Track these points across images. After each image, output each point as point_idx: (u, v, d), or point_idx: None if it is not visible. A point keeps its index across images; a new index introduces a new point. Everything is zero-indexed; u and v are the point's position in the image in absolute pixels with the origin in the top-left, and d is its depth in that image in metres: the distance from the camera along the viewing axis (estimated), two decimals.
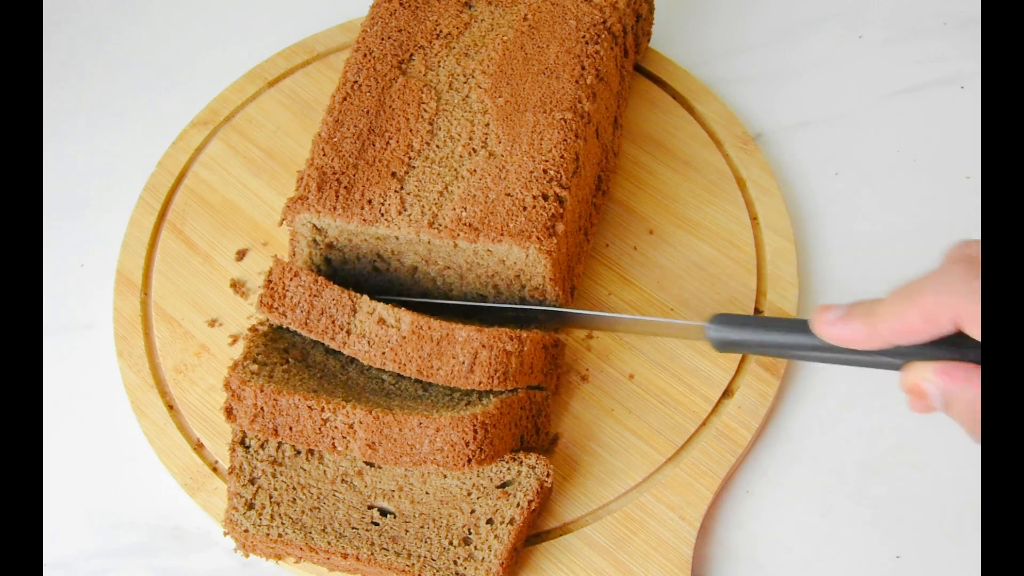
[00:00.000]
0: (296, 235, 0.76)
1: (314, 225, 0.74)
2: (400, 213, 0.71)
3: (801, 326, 0.61)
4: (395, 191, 0.72)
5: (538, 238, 0.70)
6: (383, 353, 0.70)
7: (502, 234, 0.70)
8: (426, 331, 0.69)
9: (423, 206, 0.72)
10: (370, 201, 0.72)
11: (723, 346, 0.67)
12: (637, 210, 0.85)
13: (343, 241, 0.75)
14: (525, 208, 0.71)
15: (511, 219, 0.70)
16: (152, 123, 0.95)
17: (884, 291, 0.82)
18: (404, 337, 0.69)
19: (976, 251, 0.50)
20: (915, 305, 0.51)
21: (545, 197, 0.71)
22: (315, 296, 0.71)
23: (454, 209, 0.71)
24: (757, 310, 0.80)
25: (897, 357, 0.56)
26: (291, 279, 0.72)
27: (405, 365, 0.69)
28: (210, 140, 0.91)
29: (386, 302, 0.72)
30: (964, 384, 0.52)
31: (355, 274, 0.79)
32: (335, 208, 0.72)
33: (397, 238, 0.73)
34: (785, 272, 0.82)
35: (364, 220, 0.72)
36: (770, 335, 0.64)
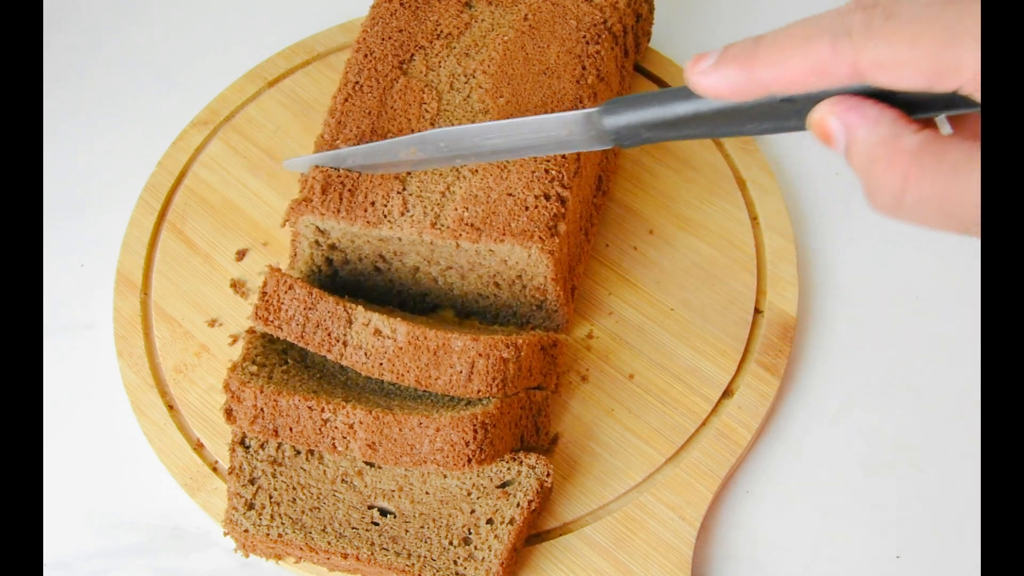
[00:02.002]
0: (298, 236, 0.76)
1: (317, 227, 0.74)
2: (403, 214, 0.71)
3: (688, 92, 0.53)
4: (397, 192, 0.72)
5: (540, 238, 0.70)
6: (380, 364, 0.70)
7: (504, 234, 0.70)
8: (422, 341, 0.69)
9: (425, 207, 0.72)
10: (373, 203, 0.72)
11: (620, 136, 0.59)
12: (637, 210, 0.85)
13: (345, 242, 0.75)
14: (527, 208, 0.71)
15: (513, 219, 0.70)
16: (152, 123, 0.95)
17: (884, 292, 0.83)
18: (400, 348, 0.69)
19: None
20: (803, 51, 0.45)
21: (547, 197, 0.71)
22: (310, 309, 0.71)
23: (456, 209, 0.71)
24: (757, 310, 0.81)
25: (799, 108, 0.49)
26: (286, 292, 0.72)
27: (403, 375, 0.69)
28: (210, 140, 0.91)
29: (381, 312, 0.72)
30: (870, 124, 0.45)
31: (356, 274, 0.79)
32: (339, 211, 0.72)
33: (400, 239, 0.73)
34: (785, 272, 0.82)
35: (368, 222, 0.72)
36: (660, 108, 0.55)
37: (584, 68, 0.77)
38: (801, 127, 0.49)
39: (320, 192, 0.72)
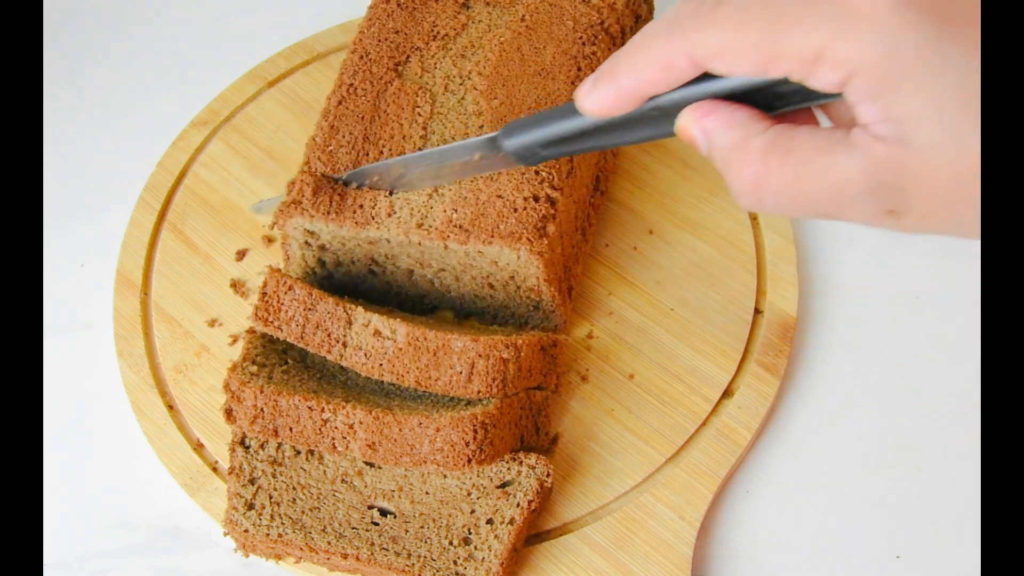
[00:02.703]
0: (288, 239, 0.76)
1: (306, 229, 0.74)
2: (390, 215, 0.71)
3: (574, 109, 0.55)
4: (385, 195, 0.72)
5: (528, 239, 0.69)
6: (380, 365, 0.70)
7: (492, 236, 0.70)
8: (422, 342, 0.69)
9: (412, 208, 0.71)
10: (361, 205, 0.72)
11: (518, 155, 0.61)
12: (637, 210, 0.85)
13: (336, 245, 0.75)
14: (516, 209, 0.70)
15: (501, 220, 0.70)
16: (152, 123, 0.95)
17: (884, 292, 0.83)
18: (400, 348, 0.69)
19: None
20: (648, 52, 0.47)
21: (536, 198, 0.71)
22: (310, 310, 0.71)
23: (444, 211, 0.71)
24: (757, 310, 0.81)
25: (668, 114, 0.51)
26: (286, 292, 0.72)
27: (403, 376, 0.69)
28: (210, 140, 0.91)
29: (381, 313, 0.72)
30: (723, 127, 0.47)
31: (352, 277, 0.79)
32: (328, 212, 0.72)
33: (388, 241, 0.73)
34: (785, 272, 0.82)
35: (356, 223, 0.71)
36: (550, 127, 0.58)
37: (580, 69, 0.77)
38: (673, 132, 0.51)
39: (310, 194, 0.72)
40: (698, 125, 0.48)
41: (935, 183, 0.42)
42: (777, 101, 0.47)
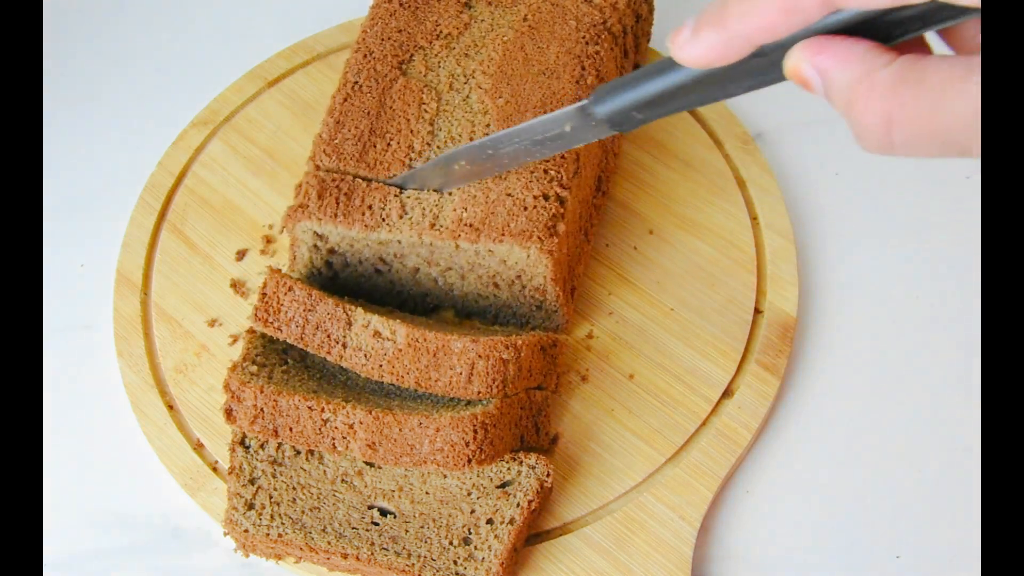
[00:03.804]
0: (296, 241, 0.76)
1: (315, 232, 0.74)
2: (401, 217, 0.71)
3: (669, 64, 0.53)
4: (395, 195, 0.72)
5: (539, 238, 0.70)
6: (380, 366, 0.70)
7: (503, 234, 0.70)
8: (422, 343, 0.69)
9: (424, 209, 0.71)
10: (371, 206, 0.72)
11: (614, 121, 0.59)
12: (637, 210, 0.85)
13: (344, 246, 0.75)
14: (526, 208, 0.71)
15: (512, 219, 0.70)
16: (152, 123, 0.95)
17: (884, 292, 0.83)
18: (400, 349, 0.69)
19: None
20: None
21: (546, 197, 0.71)
22: (310, 310, 0.71)
23: (455, 211, 0.71)
24: (757, 310, 0.81)
25: (773, 60, 0.47)
26: (285, 293, 0.72)
27: (403, 377, 0.69)
28: (210, 140, 0.91)
29: (381, 314, 0.72)
30: (842, 64, 0.43)
31: (357, 277, 0.79)
32: (336, 215, 0.72)
33: (399, 242, 0.73)
34: (785, 272, 0.82)
35: (366, 226, 0.71)
36: (644, 87, 0.55)
37: (583, 68, 0.77)
38: (782, 78, 0.48)
39: (316, 197, 0.72)
40: (812, 63, 0.44)
41: None
42: (896, 29, 0.44)
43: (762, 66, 0.48)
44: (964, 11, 0.42)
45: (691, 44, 0.47)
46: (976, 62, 0.40)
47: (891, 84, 0.42)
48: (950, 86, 0.41)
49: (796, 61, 0.45)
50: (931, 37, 0.47)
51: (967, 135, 0.41)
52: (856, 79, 0.43)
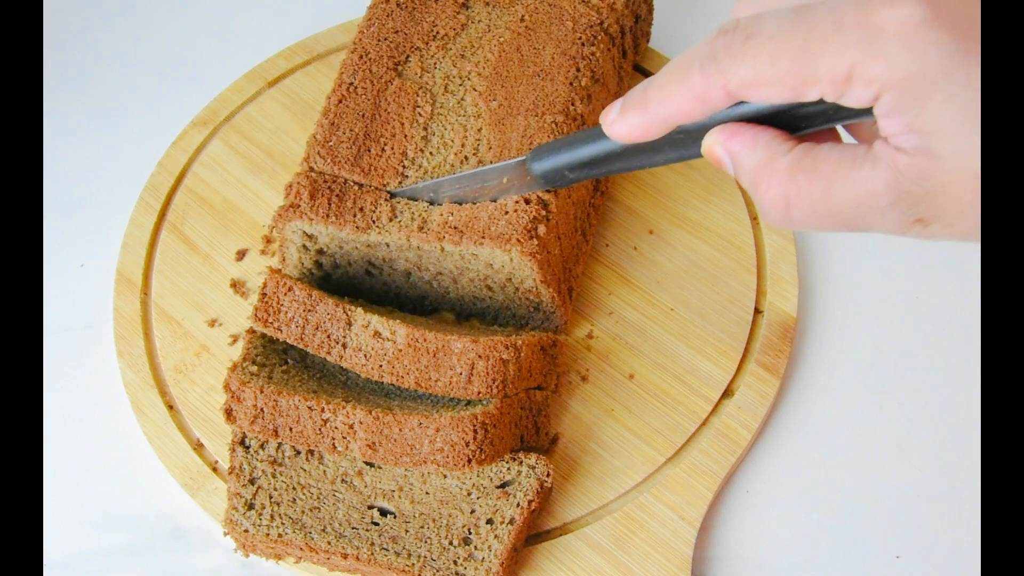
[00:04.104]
0: (285, 242, 0.76)
1: (305, 232, 0.74)
2: (391, 220, 0.71)
3: (601, 133, 0.58)
4: (386, 199, 0.72)
5: (519, 240, 0.69)
6: (380, 366, 0.70)
7: (484, 237, 0.70)
8: (422, 343, 0.69)
9: (413, 213, 0.72)
10: (362, 208, 0.72)
11: (548, 178, 0.65)
12: (637, 210, 0.85)
13: (333, 247, 0.75)
14: (507, 212, 0.71)
15: (493, 222, 0.70)
16: (152, 123, 0.95)
17: (884, 292, 0.83)
18: (400, 350, 0.69)
19: (748, 16, 0.47)
20: (682, 84, 0.48)
21: (527, 201, 0.71)
22: (309, 311, 0.71)
23: (442, 215, 0.71)
24: (757, 310, 0.81)
25: (694, 136, 0.52)
26: (285, 293, 0.72)
27: (403, 378, 0.69)
28: (210, 140, 0.91)
29: (381, 314, 0.72)
30: (748, 149, 0.48)
31: (350, 278, 0.79)
32: (328, 216, 0.72)
33: (387, 245, 0.73)
34: (785, 272, 0.82)
35: (357, 227, 0.71)
36: (577, 151, 0.61)
37: (578, 70, 0.77)
38: (700, 153, 0.53)
39: (308, 197, 0.72)
40: (724, 147, 0.50)
41: (959, 190, 0.43)
42: (802, 122, 0.49)
43: (683, 141, 0.53)
44: (858, 112, 0.46)
45: (618, 123, 0.52)
46: (861, 151, 0.46)
47: (788, 169, 0.47)
48: (840, 171, 0.46)
49: (711, 143, 0.51)
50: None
51: (855, 215, 0.46)
52: (760, 163, 0.48)
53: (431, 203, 0.72)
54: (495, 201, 0.71)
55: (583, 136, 0.60)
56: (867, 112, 0.45)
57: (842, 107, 0.46)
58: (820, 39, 0.43)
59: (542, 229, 0.70)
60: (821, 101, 0.46)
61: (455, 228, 0.70)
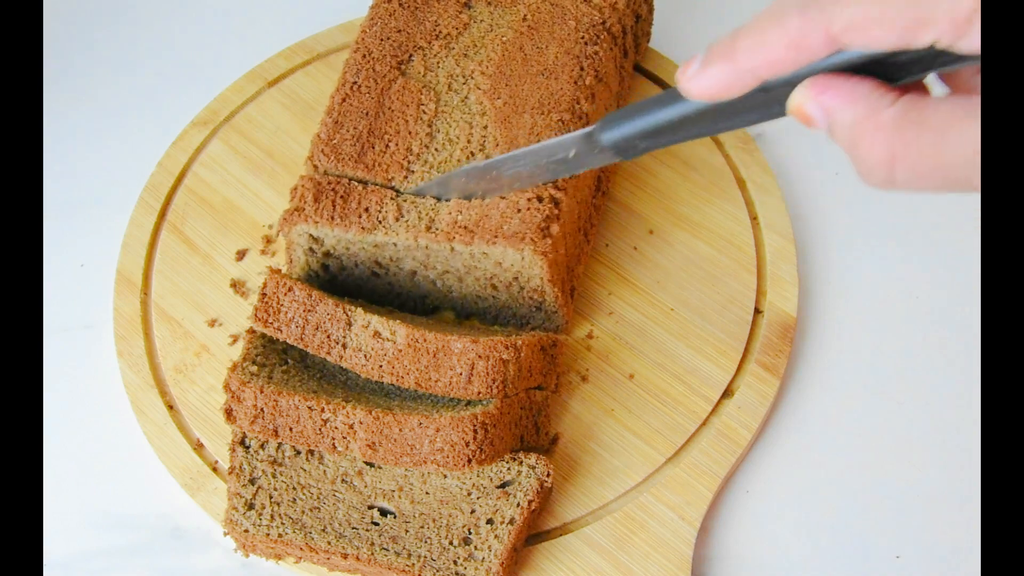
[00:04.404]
0: (292, 245, 0.76)
1: (311, 235, 0.74)
2: (397, 219, 0.71)
3: (674, 96, 0.54)
4: (391, 198, 0.72)
5: (532, 239, 0.69)
6: (380, 366, 0.70)
7: (496, 236, 0.70)
8: (422, 344, 0.69)
9: (420, 212, 0.71)
10: (367, 209, 0.72)
11: (619, 149, 0.60)
12: (637, 210, 0.85)
13: (340, 249, 0.75)
14: (519, 210, 0.70)
15: (505, 221, 0.70)
16: (152, 123, 0.95)
17: (884, 292, 0.83)
18: (400, 350, 0.69)
19: None
20: (777, 29, 0.44)
21: (540, 199, 0.71)
22: (309, 311, 0.71)
23: (450, 214, 0.71)
24: (757, 310, 0.81)
25: (779, 95, 0.48)
26: (285, 294, 0.72)
27: (403, 378, 0.69)
28: (210, 140, 0.91)
29: (381, 314, 0.72)
30: (846, 103, 0.45)
31: (354, 279, 0.79)
32: (332, 218, 0.72)
33: (395, 244, 0.73)
34: (785, 272, 0.82)
35: (362, 228, 0.71)
36: (650, 116, 0.56)
37: (582, 69, 0.77)
38: (784, 113, 0.49)
39: (312, 200, 0.72)
40: (816, 102, 0.46)
41: None
42: (899, 71, 0.45)
43: (766, 101, 0.49)
44: (963, 58, 0.42)
45: (699, 76, 0.48)
46: (974, 103, 0.42)
47: (894, 123, 0.43)
48: (950, 126, 0.42)
49: (801, 99, 0.46)
50: (930, 79, 0.48)
51: (967, 171, 0.42)
52: (860, 118, 0.44)
53: (438, 199, 0.72)
54: (504, 198, 0.71)
55: (656, 100, 0.56)
56: (971, 58, 0.42)
57: (948, 52, 0.42)
58: None
59: (555, 228, 0.70)
60: (929, 47, 0.42)
61: (465, 228, 0.70)
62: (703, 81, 0.48)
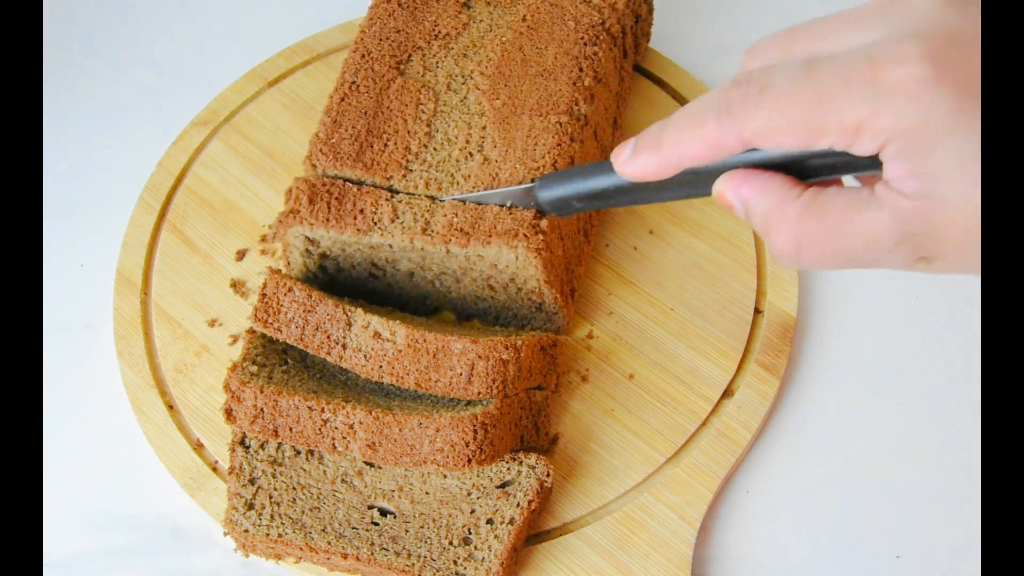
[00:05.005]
0: (289, 247, 0.76)
1: (307, 237, 0.74)
2: (393, 221, 0.71)
3: (610, 168, 0.60)
4: (386, 199, 0.72)
5: (524, 235, 0.69)
6: (380, 367, 0.70)
7: (489, 236, 0.70)
8: (422, 344, 0.69)
9: (415, 213, 0.71)
10: (362, 210, 0.72)
11: (554, 206, 0.67)
12: (637, 210, 0.85)
13: (336, 251, 0.75)
14: (511, 212, 0.71)
15: (498, 221, 0.70)
16: (152, 123, 0.95)
17: (884, 292, 0.83)
18: (400, 351, 0.69)
19: (759, 67, 0.49)
20: (697, 130, 0.51)
21: None
22: (309, 311, 0.71)
23: (446, 215, 0.71)
24: (757, 310, 0.81)
25: (708, 178, 0.55)
26: (285, 294, 0.72)
27: (403, 378, 0.69)
28: (210, 140, 0.91)
29: (381, 315, 0.72)
30: (759, 195, 0.51)
31: (352, 280, 0.79)
32: (328, 220, 0.72)
33: (391, 246, 0.73)
34: (785, 272, 0.82)
35: (358, 230, 0.71)
36: (586, 182, 0.63)
37: (581, 70, 0.77)
38: (709, 193, 0.55)
39: (307, 202, 0.72)
40: (735, 193, 0.52)
41: (960, 230, 0.46)
42: (811, 172, 0.51)
43: (692, 181, 0.55)
44: (867, 164, 0.49)
45: (630, 162, 0.55)
46: (867, 193, 0.48)
47: (799, 214, 0.50)
48: (847, 215, 0.49)
49: (722, 189, 0.53)
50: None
51: (863, 254, 0.49)
52: (771, 208, 0.51)
53: (433, 199, 0.72)
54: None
55: (593, 169, 0.63)
56: (874, 164, 0.48)
57: (850, 159, 0.49)
58: (831, 93, 0.46)
59: (544, 223, 0.70)
60: (830, 151, 0.48)
61: (461, 230, 0.70)
62: (633, 167, 0.55)
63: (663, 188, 0.57)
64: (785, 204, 0.50)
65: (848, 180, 0.54)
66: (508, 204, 0.71)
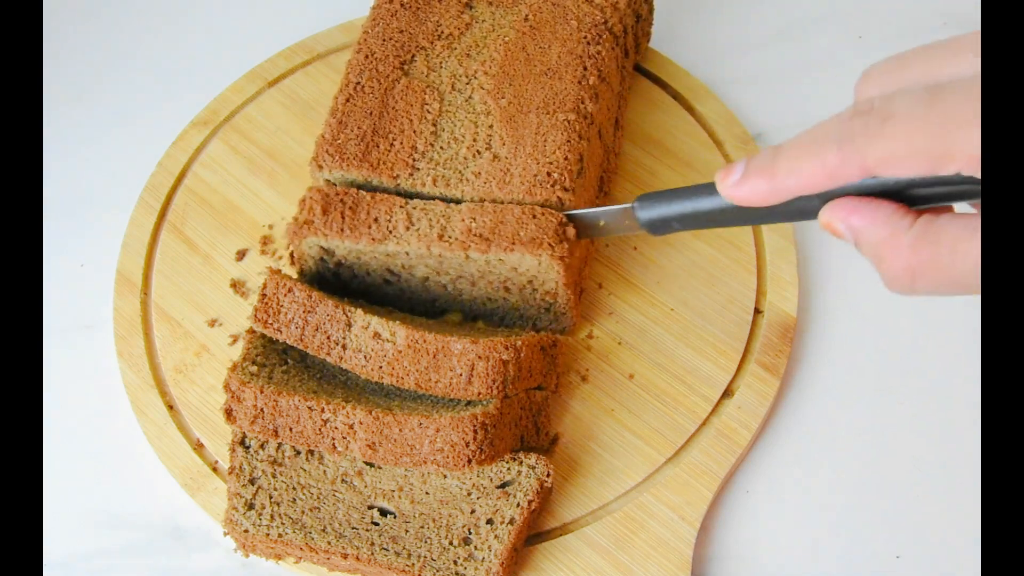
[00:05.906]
0: (304, 256, 0.76)
1: (321, 247, 0.74)
2: (408, 228, 0.71)
3: (713, 189, 0.60)
4: (400, 206, 0.72)
5: (549, 244, 0.69)
6: (380, 367, 0.70)
7: (513, 243, 0.69)
8: (422, 344, 0.69)
9: (431, 219, 0.71)
10: (376, 219, 0.72)
11: (653, 226, 0.66)
12: None
13: (352, 259, 0.75)
14: (535, 216, 0.70)
15: (521, 227, 0.70)
16: (152, 123, 0.95)
17: (884, 292, 0.83)
18: (400, 351, 0.69)
19: (879, 95, 0.49)
20: (816, 159, 0.50)
21: (549, 203, 0.71)
22: (309, 312, 0.71)
23: (463, 220, 0.71)
24: (757, 310, 0.81)
25: (815, 202, 0.54)
26: (285, 294, 0.72)
27: (402, 379, 0.69)
28: (210, 140, 0.91)
29: (381, 315, 0.72)
30: (871, 225, 0.51)
31: (366, 286, 0.78)
32: (342, 230, 0.71)
33: (407, 253, 0.72)
34: (785, 272, 0.82)
35: (373, 239, 0.71)
36: (689, 203, 0.63)
37: (585, 68, 0.77)
38: (814, 217, 0.55)
39: (321, 212, 0.72)
40: (844, 223, 0.52)
41: None
42: (919, 201, 0.51)
43: (800, 209, 0.55)
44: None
45: (740, 186, 0.54)
46: (976, 220, 0.48)
47: (912, 244, 0.50)
48: (960, 244, 0.48)
49: (831, 217, 0.53)
50: None
51: (974, 281, 0.48)
52: (883, 238, 0.51)
53: (447, 202, 0.72)
54: (516, 203, 0.71)
55: (696, 190, 0.62)
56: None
57: (965, 188, 0.49)
58: (957, 120, 0.46)
59: (571, 231, 0.70)
60: (952, 178, 0.48)
61: (480, 236, 0.70)
62: (742, 191, 0.54)
63: (769, 213, 0.56)
64: (898, 234, 0.50)
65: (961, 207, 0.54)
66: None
